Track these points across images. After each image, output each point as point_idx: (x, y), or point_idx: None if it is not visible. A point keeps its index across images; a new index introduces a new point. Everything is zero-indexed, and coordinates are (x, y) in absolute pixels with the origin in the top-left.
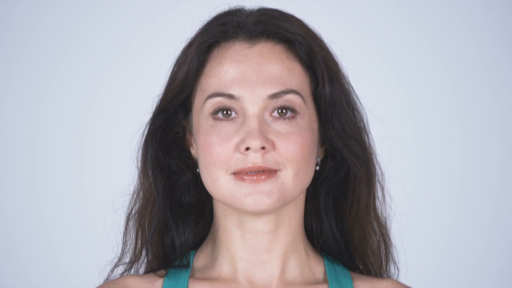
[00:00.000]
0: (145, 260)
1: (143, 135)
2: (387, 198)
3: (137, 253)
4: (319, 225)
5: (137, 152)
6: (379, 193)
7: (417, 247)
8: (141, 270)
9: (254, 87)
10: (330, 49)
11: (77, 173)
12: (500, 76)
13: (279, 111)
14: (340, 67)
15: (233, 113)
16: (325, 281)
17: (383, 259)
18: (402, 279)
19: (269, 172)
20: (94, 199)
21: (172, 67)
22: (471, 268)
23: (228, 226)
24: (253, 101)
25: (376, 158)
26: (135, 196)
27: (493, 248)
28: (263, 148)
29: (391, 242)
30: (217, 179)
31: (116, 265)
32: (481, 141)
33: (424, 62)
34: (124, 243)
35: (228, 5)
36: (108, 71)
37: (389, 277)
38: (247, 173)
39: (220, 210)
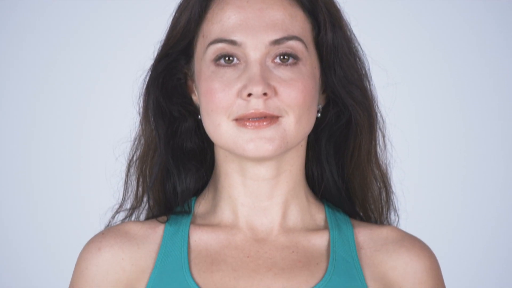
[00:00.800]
0: (146, 207)
1: (144, 81)
2: (388, 145)
3: (138, 199)
4: (320, 172)
5: (139, 98)
6: (380, 140)
7: (417, 194)
8: (142, 217)
9: (256, 33)
10: None
11: (78, 120)
12: None
13: (281, 57)
14: (342, 14)
15: (235, 59)
16: (325, 227)
17: (384, 206)
18: (402, 226)
19: (271, 119)
20: (95, 146)
21: (173, 13)
22: (470, 213)
23: (229, 172)
24: (255, 47)
25: (377, 105)
26: (136, 142)
27: (494, 197)
28: (265, 94)
29: (392, 189)
30: (219, 125)
31: (117, 211)
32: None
33: (426, 9)
34: (125, 189)
35: None
36: (109, 16)
37: (389, 224)
38: (249, 119)
39: (221, 157)
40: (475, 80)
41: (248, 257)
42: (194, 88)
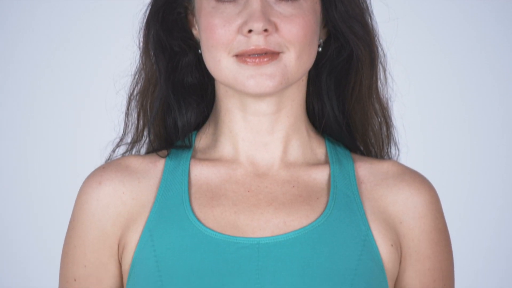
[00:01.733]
0: (147, 141)
1: (144, 15)
2: (389, 80)
3: (139, 133)
4: (321, 107)
5: (139, 32)
6: (381, 74)
7: (418, 128)
8: (143, 151)
9: None
10: None
11: (78, 53)
12: None
13: None
14: None
15: None
16: (326, 162)
17: (384, 141)
18: (403, 160)
19: (272, 55)
20: (96, 79)
21: None
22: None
23: (230, 107)
24: None
25: (378, 39)
26: (137, 77)
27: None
28: (265, 30)
29: (392, 124)
30: (219, 61)
31: (117, 145)
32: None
33: None
34: (126, 123)
35: None
36: None
37: (390, 158)
38: (249, 55)
39: (222, 92)
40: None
41: (248, 191)
42: (195, 23)
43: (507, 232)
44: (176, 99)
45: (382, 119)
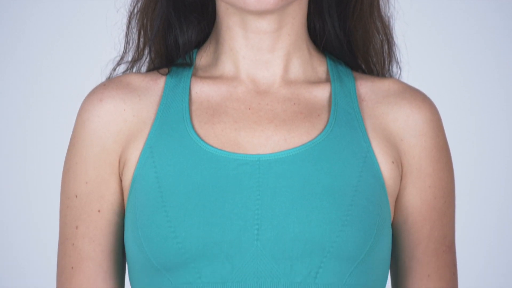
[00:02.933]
0: (148, 59)
1: None
2: None
3: (139, 51)
4: (322, 25)
5: None
6: None
7: (419, 47)
8: (143, 69)
9: None
10: None
11: None
12: None
13: None
14: None
15: None
16: (327, 80)
17: (386, 59)
18: (404, 78)
19: None
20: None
21: None
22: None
23: (230, 25)
24: None
25: None
26: None
27: None
28: None
29: (394, 42)
30: None
31: (118, 64)
32: None
33: None
34: (127, 42)
35: None
36: None
37: (391, 76)
38: None
39: (222, 9)
40: None
41: (249, 109)
42: None
43: (508, 230)
44: (177, 17)
45: (383, 37)
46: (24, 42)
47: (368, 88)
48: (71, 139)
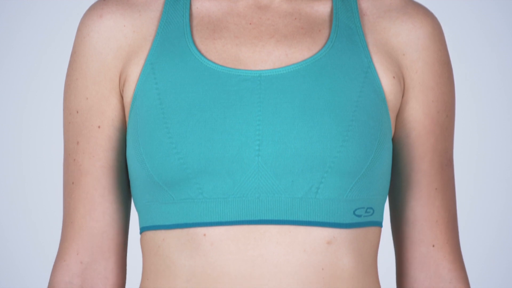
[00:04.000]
0: None
1: None
2: None
3: None
4: None
5: None
6: None
7: None
8: None
9: None
10: None
11: None
12: None
13: None
14: None
15: None
16: None
17: None
18: None
19: None
20: None
21: None
22: None
23: None
24: None
25: None
26: None
27: None
28: None
29: None
30: None
31: None
32: None
33: None
34: None
35: None
36: None
37: None
38: None
39: None
40: None
41: (250, 24)
42: None
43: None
44: None
45: None
46: (23, 41)
47: (369, 3)
48: (71, 55)
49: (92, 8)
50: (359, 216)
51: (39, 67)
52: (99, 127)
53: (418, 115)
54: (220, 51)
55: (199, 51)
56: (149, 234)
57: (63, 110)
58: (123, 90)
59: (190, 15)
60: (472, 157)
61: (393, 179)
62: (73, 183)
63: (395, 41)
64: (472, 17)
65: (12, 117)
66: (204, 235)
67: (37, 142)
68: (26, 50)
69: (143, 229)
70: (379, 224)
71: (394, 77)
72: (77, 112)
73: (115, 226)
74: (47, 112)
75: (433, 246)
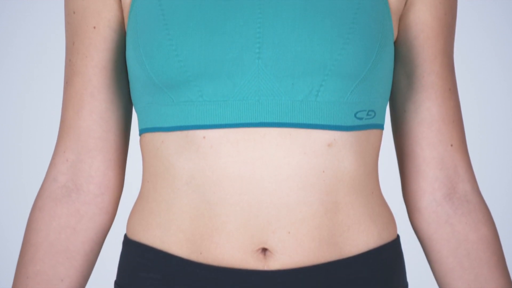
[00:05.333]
0: None
1: None
2: None
3: None
4: None
5: None
6: None
7: None
8: None
9: None
10: None
11: None
12: None
13: None
14: None
15: None
16: None
17: None
18: None
19: None
20: None
21: None
22: None
23: None
24: None
25: None
26: None
27: None
28: None
29: None
30: None
31: None
32: None
33: None
34: None
35: None
36: None
37: None
38: None
39: None
40: None
41: None
42: None
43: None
44: None
45: None
46: (22, 39)
47: None
48: None
49: None
50: (360, 119)
51: (39, 67)
52: (94, 27)
53: (426, 17)
54: None
55: None
56: (148, 136)
57: (64, 12)
58: None
59: None
60: (473, 157)
61: (403, 81)
62: (67, 82)
63: None
64: (473, 18)
65: (12, 117)
66: (204, 137)
67: (37, 142)
68: (26, 50)
69: (142, 131)
70: (380, 126)
71: None
72: (74, 12)
73: (103, 126)
74: (47, 112)
75: (451, 145)
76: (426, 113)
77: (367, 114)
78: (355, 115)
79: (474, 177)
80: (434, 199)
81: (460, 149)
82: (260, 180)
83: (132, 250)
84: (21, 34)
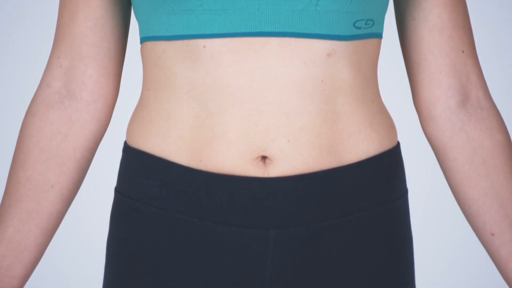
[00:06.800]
0: None
1: None
2: None
3: None
4: None
5: None
6: None
7: None
8: None
9: None
10: None
11: None
12: None
13: None
14: None
15: None
16: None
17: None
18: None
19: None
20: None
21: None
22: None
23: None
24: None
25: None
26: None
27: None
28: None
29: None
30: None
31: None
32: None
33: None
34: None
35: None
36: None
37: None
38: None
39: None
40: None
41: None
42: None
43: None
44: None
45: None
46: (21, 39)
47: None
48: None
49: None
50: (359, 28)
51: (39, 67)
52: None
53: None
54: None
55: None
56: (149, 44)
57: None
58: None
59: None
60: None
61: None
62: None
63: None
64: (473, 18)
65: (12, 117)
66: (204, 47)
67: None
68: (26, 49)
69: (143, 40)
70: (379, 35)
71: None
72: None
73: (97, 33)
74: None
75: (463, 52)
76: (437, 19)
77: (366, 23)
78: (353, 25)
79: (485, 83)
80: (448, 107)
81: (471, 55)
82: (260, 89)
83: (132, 157)
84: (21, 33)
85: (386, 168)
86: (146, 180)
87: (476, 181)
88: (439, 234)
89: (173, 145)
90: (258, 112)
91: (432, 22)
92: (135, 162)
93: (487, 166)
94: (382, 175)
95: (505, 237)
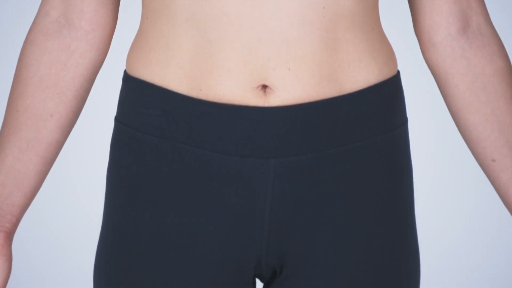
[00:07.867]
0: None
1: None
2: None
3: None
4: None
5: None
6: None
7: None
8: None
9: None
10: None
11: None
12: None
13: None
14: None
15: None
16: None
17: None
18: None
19: None
20: None
21: None
22: None
23: None
24: None
25: None
26: None
27: None
28: None
29: None
30: None
31: None
32: None
33: None
34: None
35: None
36: None
37: None
38: None
39: None
40: None
41: None
42: None
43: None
44: None
45: None
46: (21, 39)
47: None
48: None
49: None
50: None
51: None
52: None
53: None
54: None
55: None
56: None
57: None
58: None
59: None
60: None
61: None
62: None
63: None
64: None
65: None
66: None
67: None
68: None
69: None
70: None
71: None
72: None
73: None
74: None
75: None
76: None
77: None
78: None
79: (486, 9)
80: (449, 33)
81: None
82: (260, 17)
83: (132, 86)
84: (21, 33)
85: (386, 97)
86: (146, 109)
87: (477, 107)
88: (440, 160)
89: (173, 74)
90: (258, 40)
91: None
92: (135, 91)
93: (488, 92)
94: (382, 103)
95: (505, 163)
